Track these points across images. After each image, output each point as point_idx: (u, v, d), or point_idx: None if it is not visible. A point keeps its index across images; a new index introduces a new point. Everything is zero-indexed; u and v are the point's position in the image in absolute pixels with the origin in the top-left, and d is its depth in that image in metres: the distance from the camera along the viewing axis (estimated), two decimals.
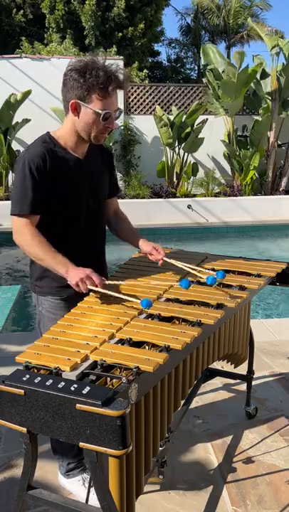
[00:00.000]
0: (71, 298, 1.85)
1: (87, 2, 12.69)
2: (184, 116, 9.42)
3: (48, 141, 1.78)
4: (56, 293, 1.89)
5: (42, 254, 1.70)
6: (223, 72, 9.35)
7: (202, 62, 10.24)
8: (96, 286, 1.67)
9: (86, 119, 1.71)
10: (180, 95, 10.71)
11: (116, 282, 1.82)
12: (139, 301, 1.63)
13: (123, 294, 1.73)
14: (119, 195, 2.24)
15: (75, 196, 1.84)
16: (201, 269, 1.98)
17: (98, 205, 1.96)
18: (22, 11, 15.25)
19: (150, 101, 10.63)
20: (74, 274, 1.66)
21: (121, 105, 9.48)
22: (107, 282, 1.72)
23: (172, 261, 1.95)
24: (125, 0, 12.87)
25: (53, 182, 1.76)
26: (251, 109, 10.57)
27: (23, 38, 12.92)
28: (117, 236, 2.12)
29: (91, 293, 1.81)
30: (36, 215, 1.76)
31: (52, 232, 1.81)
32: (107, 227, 2.09)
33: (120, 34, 13.26)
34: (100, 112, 1.67)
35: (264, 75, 9.82)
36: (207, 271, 1.95)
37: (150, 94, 10.63)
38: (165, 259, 1.95)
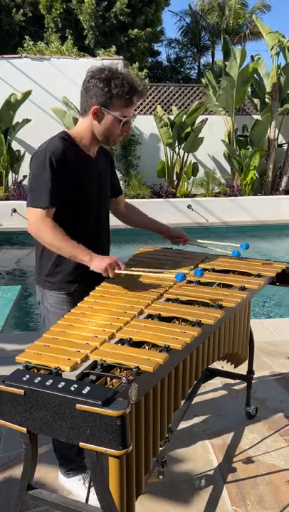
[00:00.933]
0: (76, 292, 1.89)
1: (86, 1, 12.66)
2: (184, 116, 9.42)
3: (66, 138, 1.84)
4: (66, 287, 1.92)
5: (63, 244, 1.76)
6: (225, 67, 9.32)
7: (220, 55, 10.10)
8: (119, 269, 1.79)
9: (107, 124, 1.81)
10: (180, 95, 10.72)
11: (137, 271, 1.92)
12: (172, 276, 1.77)
13: (149, 271, 1.90)
14: None
15: (87, 194, 1.90)
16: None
17: (106, 204, 2.05)
18: (22, 11, 15.25)
19: (150, 101, 10.64)
20: (100, 260, 1.75)
21: None
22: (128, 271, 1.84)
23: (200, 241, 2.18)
24: None
25: (69, 176, 1.81)
26: (251, 108, 10.58)
27: (27, 37, 12.90)
28: (134, 225, 2.30)
29: (97, 287, 1.86)
30: (53, 208, 1.80)
31: (63, 228, 1.85)
32: (121, 223, 2.27)
33: (125, 38, 13.25)
34: (122, 118, 1.79)
35: (264, 74, 9.82)
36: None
37: (150, 94, 10.63)
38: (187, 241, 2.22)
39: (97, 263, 1.75)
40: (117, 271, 1.76)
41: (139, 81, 1.81)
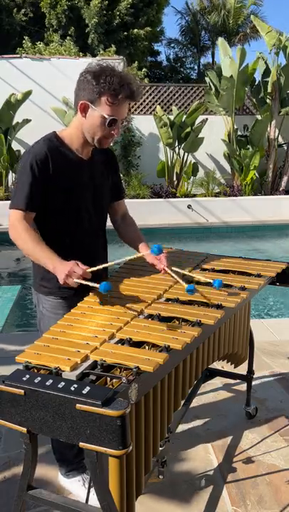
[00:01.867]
0: (72, 297, 1.85)
1: (93, 1, 12.69)
2: (184, 116, 9.42)
3: (53, 140, 1.80)
4: (60, 293, 1.89)
5: (32, 249, 1.69)
6: (229, 59, 9.29)
7: (221, 55, 10.03)
8: (82, 278, 1.63)
9: (92, 121, 1.73)
10: (180, 95, 10.73)
11: (99, 267, 1.75)
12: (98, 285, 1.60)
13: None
14: None
15: (79, 197, 1.85)
16: (201, 276, 1.97)
17: (102, 206, 1.97)
18: (23, 10, 15.25)
19: (150, 101, 10.64)
20: (60, 271, 1.63)
21: None
22: (89, 270, 1.67)
23: (172, 273, 1.88)
24: None
25: (57, 180, 1.77)
26: (251, 108, 10.58)
27: (26, 38, 12.92)
28: (123, 240, 2.13)
29: (91, 293, 1.82)
30: (32, 212, 1.76)
31: (54, 232, 1.84)
32: (112, 227, 2.12)
33: (125, 34, 13.27)
34: (106, 116, 1.70)
35: (265, 73, 9.82)
36: (207, 277, 1.95)
37: (150, 94, 10.64)
38: (167, 270, 1.89)
39: (58, 274, 1.64)
40: (76, 280, 1.61)
41: (133, 82, 1.71)
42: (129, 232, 2.11)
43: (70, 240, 1.87)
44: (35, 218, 1.81)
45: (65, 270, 1.62)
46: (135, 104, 10.50)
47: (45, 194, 1.77)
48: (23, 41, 12.89)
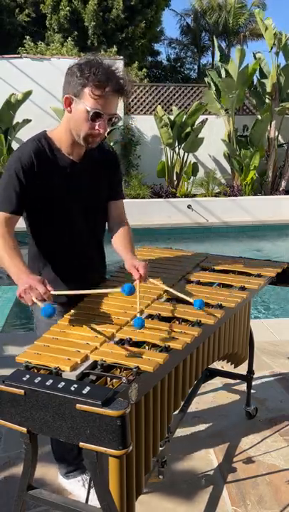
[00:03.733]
0: (68, 303, 1.81)
1: (90, 2, 12.76)
2: (184, 116, 9.43)
3: (42, 141, 1.72)
4: (54, 297, 1.86)
5: (2, 254, 1.59)
6: (229, 62, 9.30)
7: (217, 56, 10.07)
8: (42, 298, 1.46)
9: (76, 116, 1.62)
10: (180, 95, 10.73)
11: (64, 293, 1.70)
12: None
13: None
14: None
15: (64, 199, 1.76)
16: (180, 293, 1.77)
17: (93, 208, 1.88)
18: (26, 11, 15.26)
19: (150, 101, 10.65)
20: (22, 283, 1.49)
21: (121, 105, 9.47)
22: (53, 293, 1.50)
23: (148, 283, 1.77)
24: (124, 1, 12.95)
25: (40, 184, 1.70)
26: (251, 108, 10.58)
27: (27, 37, 12.94)
28: (113, 246, 1.96)
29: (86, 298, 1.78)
30: (14, 215, 1.68)
31: (46, 237, 1.81)
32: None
33: (123, 35, 13.34)
34: (89, 109, 1.58)
35: (264, 73, 9.82)
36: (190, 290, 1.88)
37: (150, 94, 10.64)
38: (137, 283, 1.68)
39: (19, 285, 1.50)
40: (34, 299, 1.45)
41: (123, 75, 1.59)
42: (117, 239, 1.92)
43: (63, 244, 1.82)
44: (27, 224, 1.79)
45: (27, 284, 1.47)
46: (135, 104, 10.50)
47: (33, 198, 1.70)
48: (25, 41, 12.90)
